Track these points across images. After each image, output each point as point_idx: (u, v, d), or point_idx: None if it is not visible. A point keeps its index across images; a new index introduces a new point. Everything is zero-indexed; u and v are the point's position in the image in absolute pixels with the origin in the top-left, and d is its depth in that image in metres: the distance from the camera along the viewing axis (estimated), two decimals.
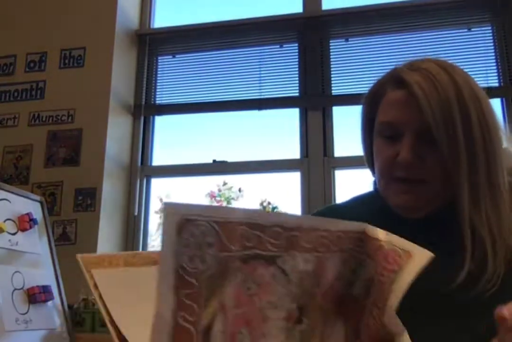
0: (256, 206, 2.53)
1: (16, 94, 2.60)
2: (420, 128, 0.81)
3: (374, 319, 0.56)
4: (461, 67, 0.87)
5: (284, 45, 2.62)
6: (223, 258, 0.48)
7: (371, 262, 0.56)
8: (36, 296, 1.74)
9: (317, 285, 0.53)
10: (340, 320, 0.56)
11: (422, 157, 0.82)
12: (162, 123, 2.75)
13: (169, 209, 0.46)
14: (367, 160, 0.95)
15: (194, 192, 2.63)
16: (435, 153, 0.81)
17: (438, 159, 0.81)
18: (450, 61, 0.88)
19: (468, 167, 0.80)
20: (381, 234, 0.57)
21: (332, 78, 2.51)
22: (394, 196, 0.86)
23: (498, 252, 0.79)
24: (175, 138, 2.74)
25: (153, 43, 2.78)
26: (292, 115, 2.55)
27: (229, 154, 2.57)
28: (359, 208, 0.95)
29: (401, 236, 0.82)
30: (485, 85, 2.33)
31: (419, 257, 0.55)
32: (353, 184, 2.36)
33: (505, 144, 0.86)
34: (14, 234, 1.80)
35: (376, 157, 0.88)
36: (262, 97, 2.56)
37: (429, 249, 0.79)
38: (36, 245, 1.90)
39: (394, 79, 0.86)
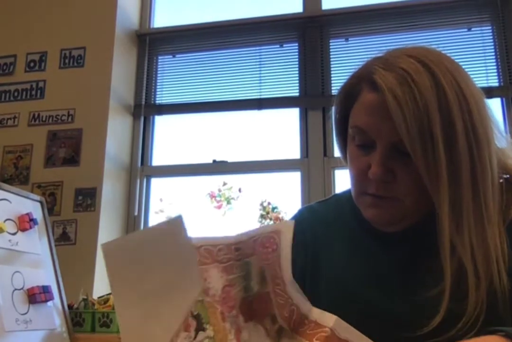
0: (256, 205, 2.53)
1: (16, 94, 2.60)
2: (393, 140, 0.71)
3: (281, 296, 0.61)
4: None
5: (284, 45, 2.62)
6: None
7: (253, 258, 0.62)
8: (36, 296, 1.74)
9: (206, 293, 0.59)
10: (253, 320, 0.61)
11: (395, 172, 0.72)
12: (162, 123, 2.75)
13: None
14: (343, 158, 0.86)
15: (194, 192, 2.63)
16: (410, 167, 0.70)
17: (413, 174, 0.70)
18: (435, 50, 0.75)
19: (449, 185, 0.68)
20: (250, 232, 0.62)
21: (332, 78, 2.51)
22: (364, 208, 0.78)
23: (480, 288, 0.67)
24: (175, 138, 2.74)
25: (153, 43, 2.78)
26: (292, 115, 2.55)
27: (229, 154, 2.57)
28: (335, 210, 0.90)
29: (377, 248, 0.81)
30: (485, 85, 2.33)
31: (286, 228, 0.61)
32: None
33: (498, 143, 0.75)
34: (14, 234, 1.80)
35: (349, 166, 0.80)
36: (262, 97, 2.56)
37: (403, 270, 0.77)
38: (36, 245, 1.90)
39: (368, 79, 0.73)
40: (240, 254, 0.62)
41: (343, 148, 0.83)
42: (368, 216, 0.78)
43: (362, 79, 0.75)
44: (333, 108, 0.83)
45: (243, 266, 0.62)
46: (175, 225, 0.58)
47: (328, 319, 0.60)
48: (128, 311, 0.58)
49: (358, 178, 0.77)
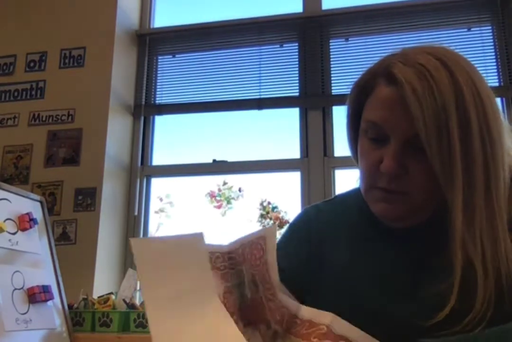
0: (256, 205, 2.53)
1: (16, 94, 2.60)
2: (409, 134, 0.71)
3: (272, 301, 0.62)
4: None
5: (284, 45, 2.63)
6: None
7: (245, 265, 0.64)
8: (36, 296, 1.74)
9: None
10: (251, 326, 0.63)
11: (407, 167, 0.72)
12: (162, 123, 2.76)
13: None
14: (353, 155, 0.86)
15: (194, 192, 2.63)
16: (424, 163, 0.71)
17: (425, 169, 0.71)
18: (451, 49, 0.76)
19: (463, 181, 0.68)
20: (240, 240, 0.66)
21: (332, 78, 2.51)
22: (373, 203, 0.78)
23: (488, 285, 0.67)
24: (175, 138, 2.74)
25: (153, 43, 2.78)
26: (292, 115, 2.55)
27: (229, 154, 2.57)
28: (340, 210, 0.90)
29: (384, 247, 0.81)
30: None
31: (270, 233, 0.63)
32: (353, 183, 2.36)
33: (508, 143, 0.75)
34: (14, 233, 1.80)
35: (360, 160, 0.79)
36: (262, 97, 2.56)
37: (411, 269, 0.77)
38: (36, 245, 1.90)
39: (385, 73, 0.74)
40: (233, 263, 0.64)
41: (354, 143, 0.83)
42: (376, 210, 0.77)
43: (378, 74, 0.76)
44: (346, 104, 0.83)
45: (237, 274, 0.64)
46: (197, 239, 0.63)
47: (324, 317, 0.61)
48: (159, 310, 0.60)
49: (369, 172, 0.76)
